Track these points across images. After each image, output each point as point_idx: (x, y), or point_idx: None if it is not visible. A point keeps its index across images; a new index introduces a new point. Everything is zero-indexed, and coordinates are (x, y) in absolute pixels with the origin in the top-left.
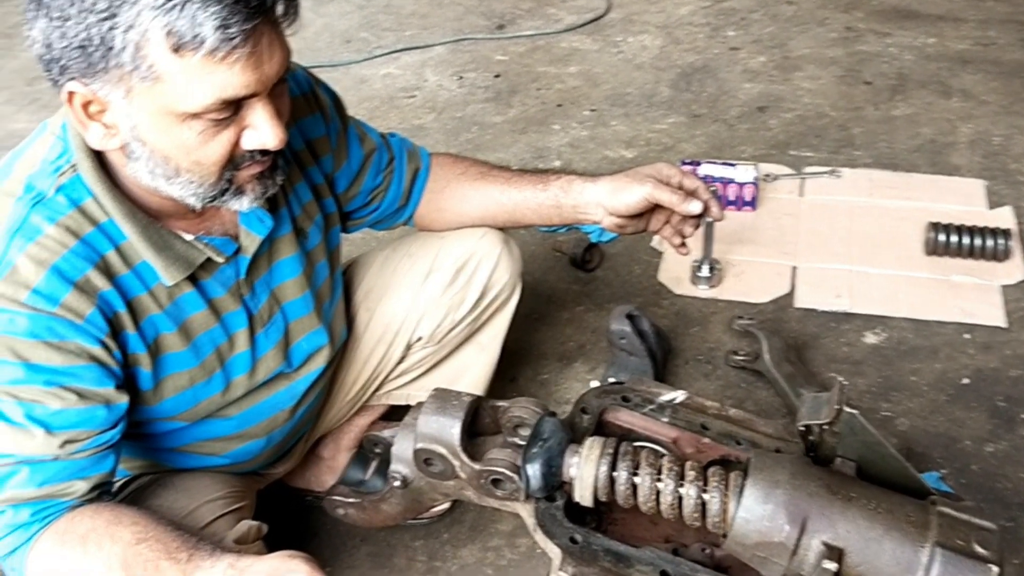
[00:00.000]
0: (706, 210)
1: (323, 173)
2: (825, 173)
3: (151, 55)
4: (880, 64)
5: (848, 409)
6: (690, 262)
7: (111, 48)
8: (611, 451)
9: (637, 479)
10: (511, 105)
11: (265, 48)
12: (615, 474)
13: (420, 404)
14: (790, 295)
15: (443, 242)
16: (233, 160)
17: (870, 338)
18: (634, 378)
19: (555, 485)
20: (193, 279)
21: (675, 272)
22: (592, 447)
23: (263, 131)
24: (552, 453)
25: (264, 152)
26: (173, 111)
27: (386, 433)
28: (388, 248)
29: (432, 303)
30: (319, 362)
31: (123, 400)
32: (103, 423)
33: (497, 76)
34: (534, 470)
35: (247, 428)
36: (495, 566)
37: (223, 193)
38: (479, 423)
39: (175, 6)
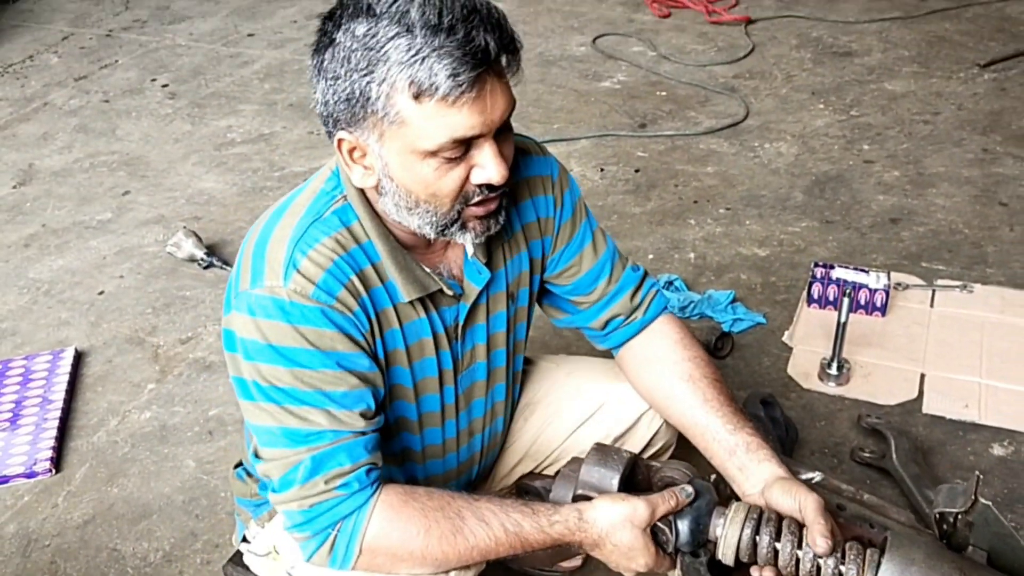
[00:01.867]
0: (840, 310)
1: (542, 251)
2: (957, 287)
3: (398, 103)
4: (1017, 187)
5: (983, 500)
6: (819, 359)
7: (368, 99)
8: (755, 516)
9: (779, 544)
10: (649, 198)
11: (489, 94)
12: (758, 537)
13: (576, 458)
14: (918, 400)
15: (614, 393)
16: (464, 194)
17: (997, 450)
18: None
19: (701, 542)
20: (426, 309)
21: (804, 367)
22: (738, 510)
23: (488, 167)
24: (700, 512)
25: (490, 189)
26: (415, 150)
27: (537, 483)
28: (564, 361)
29: (585, 445)
30: (498, 413)
31: (383, 388)
32: (378, 403)
33: (637, 171)
34: (684, 525)
35: (417, 450)
36: None
37: (452, 224)
38: (634, 479)
39: (416, 60)
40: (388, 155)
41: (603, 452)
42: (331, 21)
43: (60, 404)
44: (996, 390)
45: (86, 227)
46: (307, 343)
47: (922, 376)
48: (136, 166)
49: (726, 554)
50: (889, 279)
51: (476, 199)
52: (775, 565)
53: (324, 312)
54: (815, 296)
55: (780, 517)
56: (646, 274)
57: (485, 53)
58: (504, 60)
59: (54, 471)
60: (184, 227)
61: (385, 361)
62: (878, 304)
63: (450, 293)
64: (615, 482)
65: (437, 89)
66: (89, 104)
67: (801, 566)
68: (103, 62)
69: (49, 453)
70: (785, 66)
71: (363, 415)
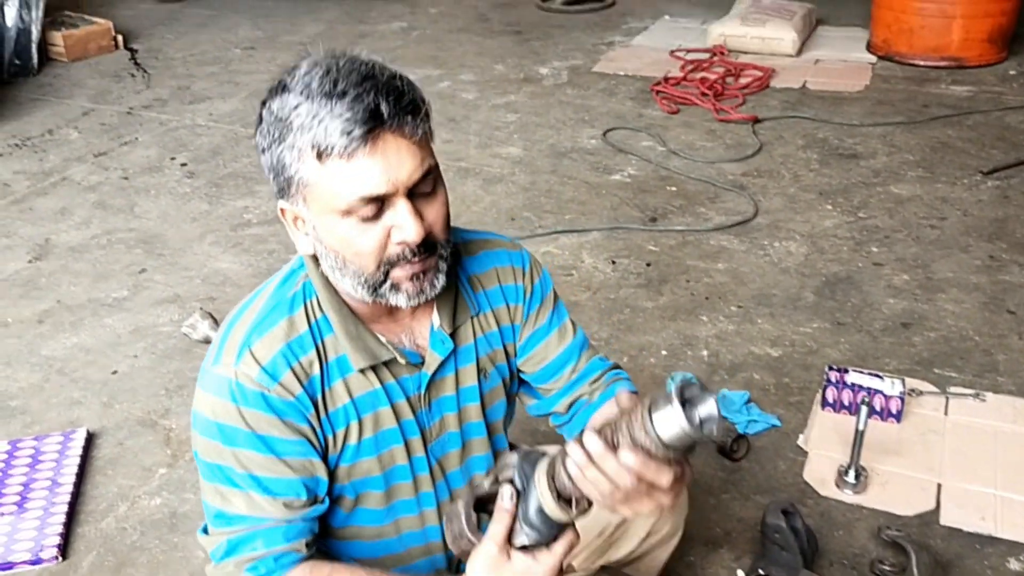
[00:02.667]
0: (858, 418)
1: (512, 336)
2: (970, 395)
3: (307, 165)
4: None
5: None
6: (836, 465)
7: (284, 165)
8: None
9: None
10: (661, 292)
11: (392, 152)
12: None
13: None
14: (935, 511)
15: None
16: (388, 256)
17: (1014, 564)
18: (804, 573)
19: (549, 520)
20: (380, 379)
21: (821, 473)
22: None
23: (405, 226)
24: (528, 496)
25: (415, 252)
26: (331, 209)
27: None
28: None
29: (584, 539)
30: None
31: (324, 476)
32: (311, 493)
33: (649, 264)
34: (527, 522)
35: (389, 523)
36: None
37: (381, 285)
38: (485, 504)
39: (315, 123)
40: (314, 218)
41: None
42: (262, 103)
43: (70, 488)
44: (1011, 502)
45: (101, 304)
46: (246, 425)
47: (939, 486)
48: (153, 244)
49: (550, 508)
50: (904, 386)
51: (402, 261)
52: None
53: (264, 396)
54: (830, 400)
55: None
56: (615, 366)
57: (375, 113)
58: (401, 120)
59: (61, 558)
60: (200, 308)
61: (335, 440)
62: (893, 411)
63: (403, 362)
64: (464, 524)
65: (333, 148)
66: (108, 180)
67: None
68: (123, 139)
69: (56, 540)
70: (792, 166)
71: (288, 504)
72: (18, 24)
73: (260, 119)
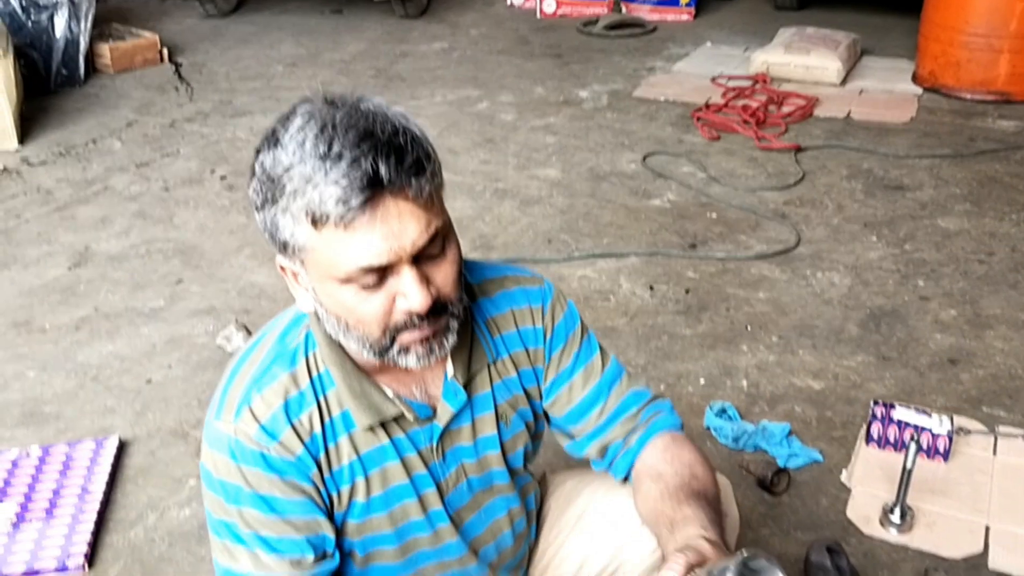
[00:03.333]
0: (907, 456)
1: (535, 380)
2: (1019, 435)
3: (302, 231)
4: None
5: None
6: (881, 503)
7: (278, 227)
8: None
9: None
10: (700, 320)
11: (394, 218)
12: None
13: None
14: (983, 555)
15: (637, 530)
16: (393, 323)
17: None
18: None
19: None
20: (388, 433)
21: (864, 511)
22: None
23: (410, 295)
24: None
25: (422, 318)
26: (330, 276)
27: None
28: (585, 486)
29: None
30: (502, 527)
31: (331, 533)
32: (319, 550)
33: (687, 291)
34: None
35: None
36: None
37: (388, 350)
38: None
39: (309, 188)
40: (312, 281)
41: None
42: (256, 151)
43: (99, 496)
44: None
45: (138, 313)
46: (247, 484)
47: (987, 528)
48: (191, 255)
49: None
50: (952, 423)
51: (408, 328)
52: None
53: (264, 456)
54: (875, 436)
55: None
56: (654, 398)
57: (374, 178)
58: (403, 182)
59: (87, 567)
60: (236, 320)
61: (340, 498)
62: (940, 449)
63: (411, 417)
64: None
65: (329, 216)
66: (149, 191)
67: None
68: (165, 150)
69: (84, 548)
70: (836, 196)
71: (295, 563)
72: (67, 35)
73: (252, 172)
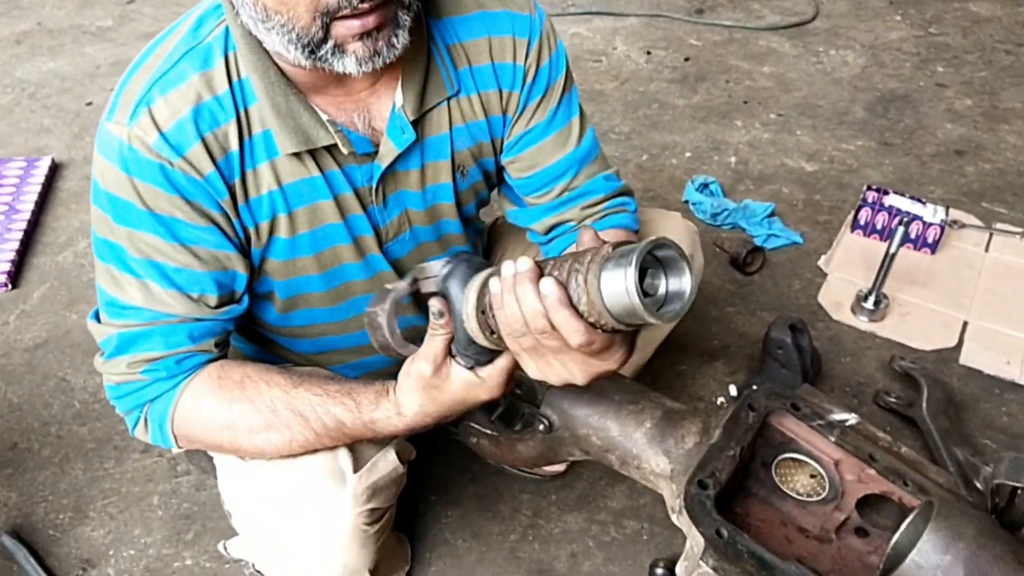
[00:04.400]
0: (892, 240)
1: (503, 129)
2: (1017, 234)
3: None
4: None
5: None
6: (855, 290)
7: None
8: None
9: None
10: (696, 91)
11: None
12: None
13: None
14: (956, 349)
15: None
16: (325, 3)
17: None
18: (806, 388)
19: (475, 343)
20: (320, 166)
21: (837, 297)
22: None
23: None
24: (457, 312)
25: (363, 0)
26: None
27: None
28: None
29: None
30: None
31: (243, 271)
32: (225, 290)
33: (687, 59)
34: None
35: (335, 322)
36: (597, 540)
37: (321, 45)
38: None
39: None
40: None
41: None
42: None
43: (27, 216)
44: None
45: (84, 31)
46: (141, 202)
47: (964, 324)
48: None
49: (473, 331)
50: (947, 214)
51: (344, 10)
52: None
53: (164, 170)
54: (861, 222)
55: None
56: (625, 191)
57: None
58: None
59: (10, 286)
60: None
61: (258, 233)
62: (930, 240)
63: (346, 151)
64: (388, 338)
65: None
66: None
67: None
68: None
69: (7, 266)
70: None
71: (195, 300)
72: None
73: None
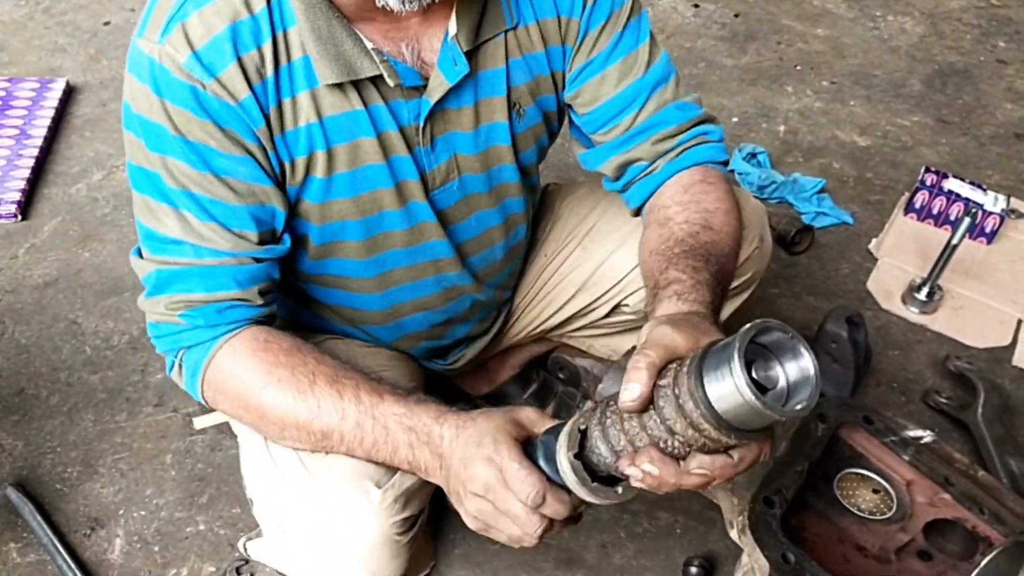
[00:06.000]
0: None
1: (564, 61)
2: None
3: None
4: None
5: None
6: (908, 279)
7: None
8: (583, 424)
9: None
10: (746, 51)
11: None
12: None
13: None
14: (1010, 349)
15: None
16: None
17: None
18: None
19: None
20: (364, 99)
21: (888, 284)
22: (567, 433)
23: None
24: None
25: None
26: None
27: (579, 361)
28: (599, 200)
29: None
30: (494, 239)
31: (282, 207)
32: (265, 226)
33: (737, 16)
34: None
35: (370, 277)
36: (629, 531)
37: None
38: None
39: None
40: None
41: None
42: None
43: (40, 142)
44: None
45: None
46: (173, 127)
47: (1020, 322)
48: None
49: (574, 488)
50: (1008, 203)
51: None
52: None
53: (195, 93)
54: (917, 205)
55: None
56: (704, 118)
57: None
58: None
59: (20, 217)
60: None
61: (293, 169)
62: (987, 230)
63: (392, 83)
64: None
65: None
66: None
67: (641, 439)
68: None
69: (17, 196)
70: None
71: (238, 235)
72: None
73: None
